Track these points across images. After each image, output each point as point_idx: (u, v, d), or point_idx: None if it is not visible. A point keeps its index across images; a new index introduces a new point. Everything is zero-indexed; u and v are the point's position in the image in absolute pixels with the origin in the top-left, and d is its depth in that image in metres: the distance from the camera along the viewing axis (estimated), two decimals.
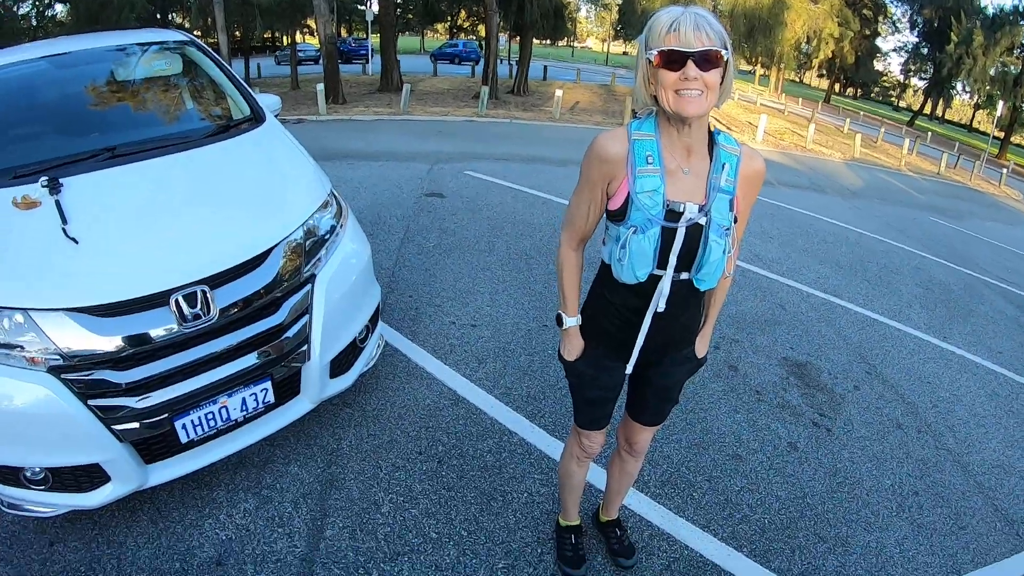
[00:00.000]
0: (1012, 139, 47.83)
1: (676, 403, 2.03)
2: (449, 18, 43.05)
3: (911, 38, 53.69)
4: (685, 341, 1.84)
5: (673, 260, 1.56)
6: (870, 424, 3.94)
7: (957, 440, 4.03)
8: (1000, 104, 35.63)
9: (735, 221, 1.61)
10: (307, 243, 2.62)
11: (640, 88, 1.53)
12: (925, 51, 50.51)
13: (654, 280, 1.61)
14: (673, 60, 1.42)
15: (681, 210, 1.52)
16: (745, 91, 42.02)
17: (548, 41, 37.45)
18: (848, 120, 32.15)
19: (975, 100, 49.09)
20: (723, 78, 1.46)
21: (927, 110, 58.70)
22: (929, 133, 41.62)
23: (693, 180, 1.55)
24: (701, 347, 1.90)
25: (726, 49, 1.44)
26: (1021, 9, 40.22)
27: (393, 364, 3.66)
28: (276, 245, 2.47)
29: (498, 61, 23.35)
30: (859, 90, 69.88)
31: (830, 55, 48.16)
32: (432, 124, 14.08)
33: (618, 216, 1.57)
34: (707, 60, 1.41)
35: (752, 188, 1.66)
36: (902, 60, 56.00)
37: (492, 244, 5.74)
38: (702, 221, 1.53)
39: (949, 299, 6.99)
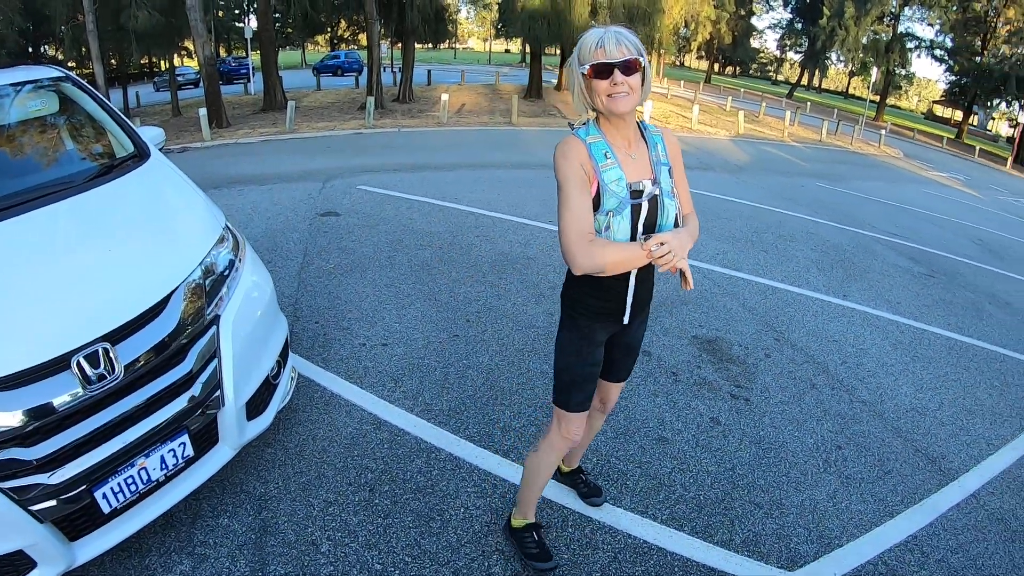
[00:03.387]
0: (887, 101, 52.36)
1: (638, 355, 2.46)
2: (329, 29, 42.91)
3: (785, 15, 58.95)
4: (648, 303, 2.25)
5: (640, 228, 1.97)
6: (785, 388, 4.27)
7: (870, 391, 4.42)
8: (874, 70, 39.21)
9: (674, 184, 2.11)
10: (207, 283, 2.59)
11: (578, 99, 1.99)
12: (799, 26, 55.24)
13: None
14: (602, 71, 1.86)
15: (641, 188, 1.96)
16: None
17: (430, 45, 37.88)
18: (730, 98, 34.28)
19: (850, 68, 54.09)
20: (643, 80, 1.90)
21: (804, 82, 63.49)
22: (808, 103, 45.16)
23: (639, 162, 2.01)
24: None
25: (642, 57, 1.88)
26: None
27: (309, 395, 3.65)
28: (175, 289, 2.43)
29: (382, 69, 23.36)
30: (738, 68, 74.63)
31: (708, 37, 51.70)
32: (320, 140, 14.16)
33: (595, 208, 1.94)
34: (628, 67, 1.85)
35: (677, 156, 2.15)
36: (778, 36, 61.37)
37: (392, 258, 5.83)
38: (656, 192, 1.99)
39: (844, 259, 7.64)
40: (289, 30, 38.44)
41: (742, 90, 48.87)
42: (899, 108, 76.91)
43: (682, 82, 48.31)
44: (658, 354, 4.48)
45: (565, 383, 2.25)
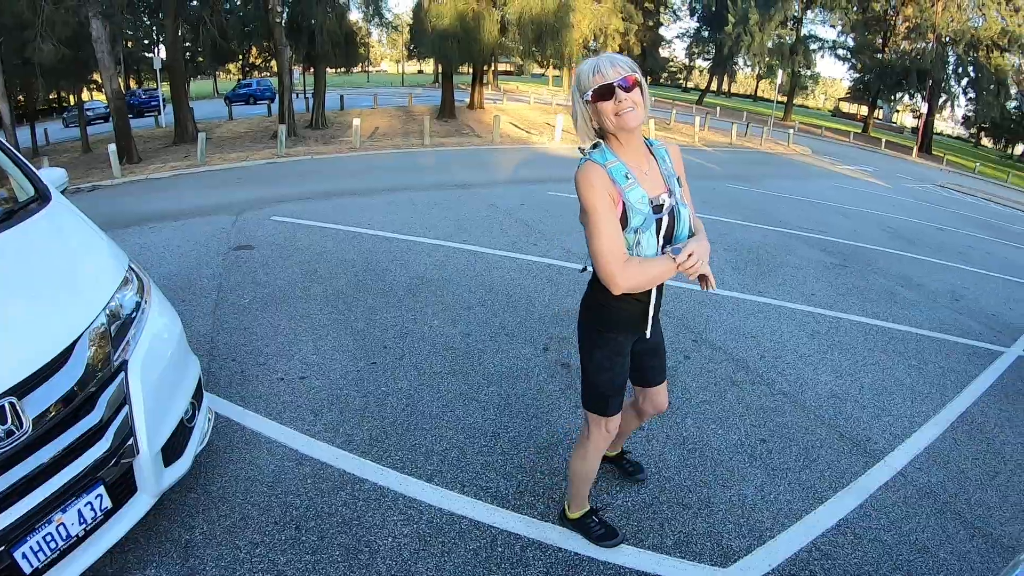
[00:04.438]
0: (795, 101, 55.01)
1: (665, 353, 2.68)
2: (241, 57, 42.38)
3: (692, 24, 62.87)
4: (659, 307, 2.43)
5: (662, 240, 2.17)
6: (706, 388, 4.37)
7: (790, 383, 4.55)
8: (780, 72, 41.16)
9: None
10: (112, 328, 2.52)
11: (584, 128, 2.14)
12: (706, 34, 58.04)
13: None
14: (604, 93, 2.01)
15: (661, 202, 2.15)
16: (541, 93, 44.61)
17: (344, 69, 37.97)
18: None
19: (757, 72, 57.25)
20: (643, 94, 2.05)
21: (714, 87, 66.17)
22: (718, 108, 47.13)
23: (653, 177, 2.19)
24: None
25: (637, 73, 2.04)
26: None
27: (228, 435, 3.53)
28: (79, 337, 2.36)
29: (295, 96, 23.12)
30: (649, 78, 76.38)
31: (618, 49, 52.82)
32: (232, 172, 13.93)
33: (622, 227, 2.11)
34: (628, 84, 2.01)
35: (679, 163, 2.35)
36: (686, 45, 64.02)
37: (308, 289, 5.75)
38: (673, 203, 2.17)
39: (758, 257, 7.93)
40: (200, 59, 38.03)
41: (653, 99, 49.29)
42: (806, 107, 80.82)
43: None
44: (577, 366, 4.48)
45: (604, 395, 2.43)
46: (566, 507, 2.89)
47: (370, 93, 40.01)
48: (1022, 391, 5.07)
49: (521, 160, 16.00)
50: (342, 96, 35.75)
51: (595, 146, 2.14)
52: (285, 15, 23.32)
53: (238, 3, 29.91)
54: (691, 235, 2.28)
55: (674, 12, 63.06)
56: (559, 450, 3.51)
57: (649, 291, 2.27)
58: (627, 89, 2.01)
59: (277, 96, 27.16)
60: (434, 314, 5.27)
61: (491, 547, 2.80)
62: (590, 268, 2.31)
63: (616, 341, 2.37)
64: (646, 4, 55.41)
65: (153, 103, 35.67)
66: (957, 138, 70.85)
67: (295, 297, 5.55)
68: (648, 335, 2.42)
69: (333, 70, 33.47)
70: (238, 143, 20.60)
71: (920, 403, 4.55)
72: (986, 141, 64.60)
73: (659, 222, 2.14)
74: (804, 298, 6.48)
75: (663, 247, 2.17)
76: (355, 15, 54.24)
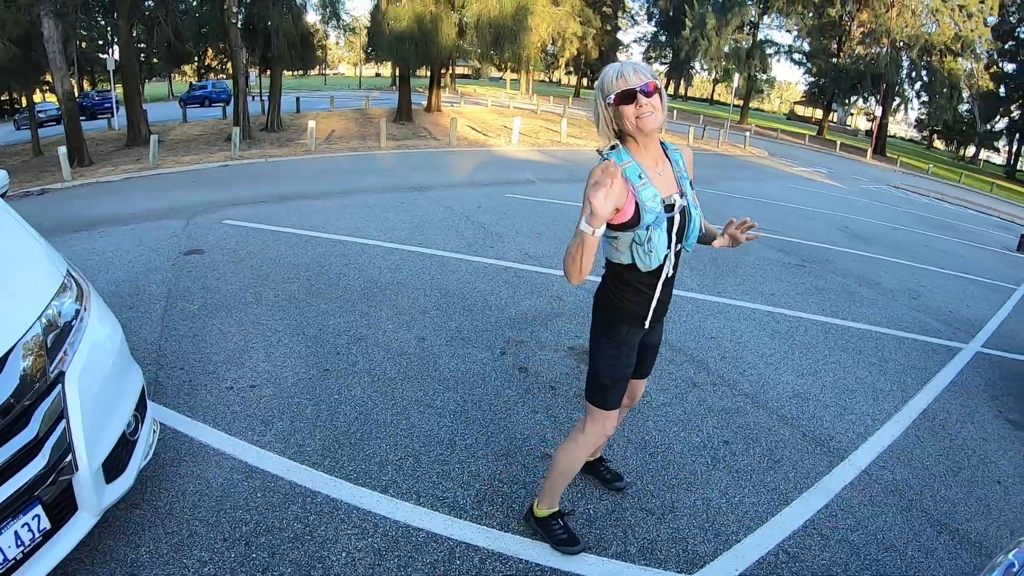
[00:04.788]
0: (751, 105, 56.15)
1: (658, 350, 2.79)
2: (197, 59, 41.76)
3: (650, 28, 63.01)
4: (667, 309, 2.54)
5: (674, 238, 2.28)
6: (667, 390, 4.31)
7: (751, 383, 4.53)
8: (736, 76, 41.89)
9: None
10: (48, 338, 2.41)
11: (604, 129, 2.24)
12: (663, 38, 59.13)
13: (664, 258, 2.30)
14: (627, 97, 2.11)
15: (672, 202, 2.26)
16: (498, 96, 44.73)
17: (301, 72, 37.64)
18: None
19: (713, 76, 58.39)
20: (661, 100, 2.15)
21: (671, 91, 67.04)
22: (675, 111, 47.51)
23: (666, 178, 2.29)
24: (721, 241, 2.71)
25: (657, 80, 2.15)
26: None
27: (176, 448, 3.37)
28: (12, 348, 2.25)
29: (250, 98, 22.76)
30: None
31: (575, 53, 53.90)
32: (185, 175, 13.62)
33: (630, 225, 2.21)
34: (649, 90, 2.11)
35: (691, 167, 2.46)
36: (643, 49, 64.86)
37: (259, 294, 5.58)
38: (684, 203, 2.29)
39: (716, 258, 7.93)
40: (155, 60, 37.37)
41: None
42: (762, 111, 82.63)
43: (551, 97, 49.83)
44: (535, 369, 4.42)
45: (606, 385, 2.49)
46: (535, 503, 2.85)
47: (327, 96, 39.69)
48: (982, 386, 5.15)
49: (478, 163, 15.91)
50: (298, 98, 35.38)
51: (613, 148, 2.25)
52: (241, 16, 22.99)
53: (194, 4, 29.47)
54: (703, 235, 2.55)
55: (632, 17, 64.53)
56: (517, 457, 3.41)
57: (654, 286, 2.36)
58: (648, 95, 2.12)
59: (232, 98, 26.78)
60: (388, 319, 5.14)
61: (449, 560, 2.70)
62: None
63: (621, 331, 2.45)
64: (604, 8, 56.57)
65: (106, 105, 34.81)
66: (910, 140, 73.01)
67: (246, 303, 5.39)
68: (647, 327, 2.48)
69: (290, 72, 33.10)
70: (192, 146, 20.26)
71: (882, 401, 4.57)
72: (938, 143, 66.65)
73: (671, 220, 2.26)
74: (763, 298, 6.50)
75: (675, 246, 2.31)
76: (312, 17, 54.13)
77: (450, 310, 5.39)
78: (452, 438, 3.55)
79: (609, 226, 2.25)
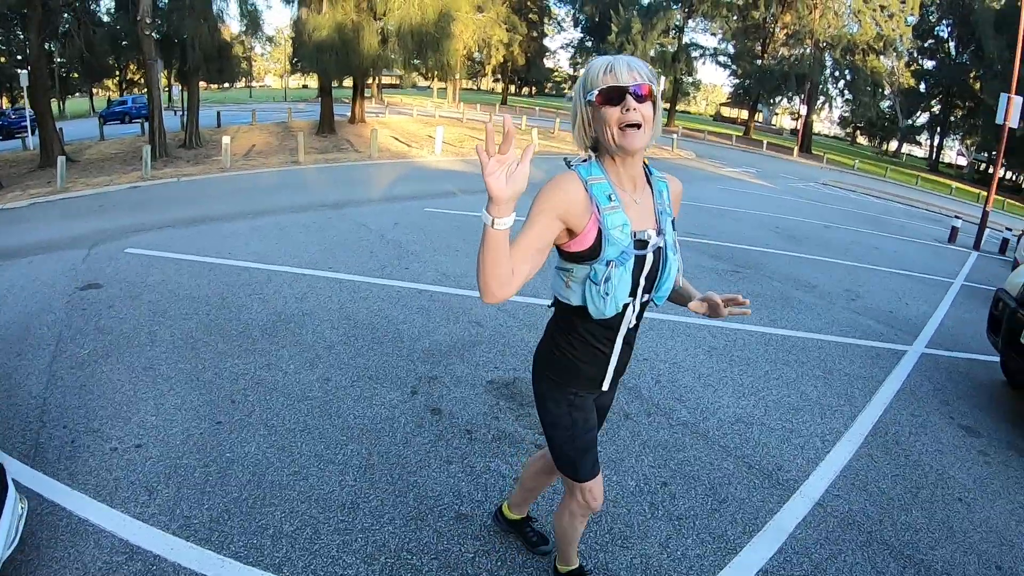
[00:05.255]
0: (677, 107, 57.28)
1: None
2: (118, 72, 40.14)
3: (576, 34, 63.96)
4: (627, 365, 2.15)
5: (642, 283, 1.89)
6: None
7: (690, 410, 4.20)
8: (663, 79, 42.52)
9: None
10: None
11: (580, 134, 1.85)
12: (589, 44, 59.67)
13: (623, 307, 1.91)
14: (612, 97, 1.72)
15: (646, 238, 1.85)
16: (424, 105, 44.45)
17: (226, 85, 36.71)
18: (525, 117, 35.37)
19: None
20: (654, 113, 1.76)
21: None
22: None
23: (643, 208, 1.89)
24: (698, 305, 2.09)
25: (654, 84, 1.75)
26: None
27: (52, 524, 2.91)
28: None
29: (172, 113, 21.87)
30: (533, 88, 78.35)
31: (502, 60, 54.22)
32: (94, 199, 12.79)
33: (587, 256, 1.81)
34: (641, 93, 1.72)
35: (678, 203, 2.07)
36: (570, 55, 65.57)
37: (153, 334, 5.07)
38: (660, 244, 1.89)
39: None
40: (74, 75, 35.74)
41: (537, 108, 51.36)
42: (688, 113, 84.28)
43: (478, 105, 49.80)
44: (449, 410, 3.98)
45: (571, 457, 2.14)
46: (555, 560, 2.63)
47: (250, 109, 38.71)
48: (930, 391, 5.04)
49: (398, 176, 15.45)
50: (219, 113, 34.38)
51: (585, 161, 1.87)
52: (158, 28, 22.03)
53: (109, 16, 28.19)
54: (677, 291, 2.14)
55: (558, 23, 65.33)
56: (429, 520, 2.96)
57: (612, 341, 1.99)
58: (639, 98, 1.73)
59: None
60: (291, 357, 4.65)
61: None
62: (558, 301, 2.03)
63: (573, 395, 2.08)
64: (530, 15, 57.11)
65: (23, 123, 33.25)
66: (834, 137, 75.53)
67: (140, 344, 4.88)
68: (605, 388, 2.11)
69: (215, 86, 32.20)
70: (107, 165, 19.34)
71: (830, 419, 4.34)
72: (861, 139, 69.18)
73: (639, 261, 1.86)
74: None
75: (641, 295, 1.93)
76: (235, 28, 52.99)
77: (358, 344, 4.91)
78: (355, 500, 3.10)
79: (562, 254, 1.88)
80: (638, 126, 1.72)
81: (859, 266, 9.45)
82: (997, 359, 5.63)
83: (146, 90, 24.73)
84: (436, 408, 3.98)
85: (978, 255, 13.31)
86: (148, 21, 20.37)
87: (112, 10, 26.95)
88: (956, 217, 15.47)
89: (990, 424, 4.63)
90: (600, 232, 1.78)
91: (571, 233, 1.80)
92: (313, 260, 7.12)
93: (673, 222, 1.96)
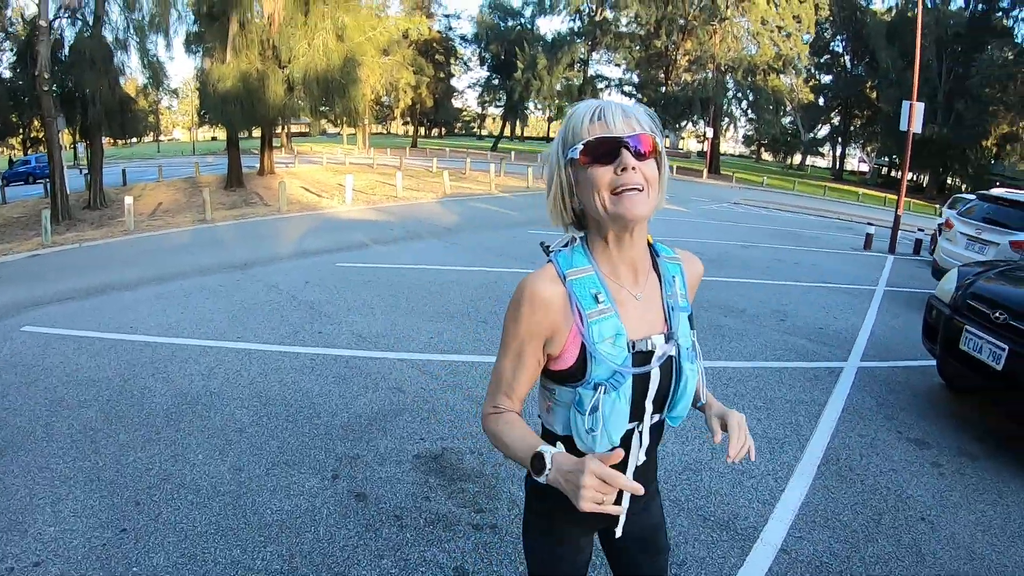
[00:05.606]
0: None
1: (669, 550, 1.78)
2: (22, 131, 38.00)
3: (483, 73, 64.73)
4: (654, 478, 1.63)
5: (649, 407, 1.40)
6: None
7: None
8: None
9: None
10: None
11: (556, 208, 1.42)
12: (496, 82, 61.02)
13: (628, 435, 1.41)
14: (604, 152, 1.30)
15: (650, 348, 1.38)
16: (334, 153, 44.13)
17: (134, 140, 35.37)
18: (435, 160, 35.45)
19: (548, 114, 60.35)
20: (659, 170, 1.35)
21: (508, 133, 68.88)
22: (512, 153, 48.92)
23: (647, 305, 1.43)
24: (718, 426, 1.51)
25: (658, 135, 1.36)
26: (575, 30, 52.54)
27: None
28: None
29: (78, 172, 20.83)
30: (443, 129, 79.03)
31: (410, 103, 54.55)
32: None
33: (571, 378, 1.37)
34: (641, 148, 1.30)
35: (693, 293, 1.58)
36: (478, 94, 66.89)
37: (50, 426, 4.54)
38: (673, 352, 1.41)
39: None
40: None
41: (448, 150, 51.52)
42: None
43: (388, 149, 49.67)
44: (375, 494, 3.61)
45: None
46: None
47: (157, 165, 37.49)
48: (873, 407, 5.04)
49: (309, 229, 14.97)
50: (124, 171, 33.11)
51: (567, 244, 1.43)
52: (56, 82, 21.08)
53: (6, 72, 26.96)
54: (702, 408, 1.57)
55: (464, 62, 66.15)
56: None
57: (624, 465, 1.43)
58: (640, 155, 1.29)
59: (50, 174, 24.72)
60: (198, 445, 4.21)
61: None
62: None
63: (561, 529, 1.56)
64: (436, 56, 57.82)
65: None
66: (740, 156, 78.53)
67: (36, 439, 4.37)
68: (619, 533, 1.51)
69: (122, 141, 31.14)
70: (7, 231, 18.29)
71: (779, 452, 4.20)
72: (767, 156, 72.01)
73: (641, 381, 1.36)
74: None
75: (649, 418, 1.42)
76: (140, 80, 51.98)
77: (271, 424, 4.50)
78: None
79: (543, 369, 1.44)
80: (639, 189, 1.29)
81: (782, 284, 9.52)
82: (932, 363, 5.67)
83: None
84: (361, 493, 3.61)
85: (894, 258, 13.70)
86: (47, 76, 19.52)
87: (13, 65, 25.99)
88: (869, 224, 15.98)
89: (937, 433, 4.63)
90: (584, 347, 1.34)
91: (552, 345, 1.37)
92: (220, 330, 6.66)
93: (691, 318, 1.49)
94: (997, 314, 4.46)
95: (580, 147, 1.30)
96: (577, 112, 1.35)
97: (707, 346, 6.24)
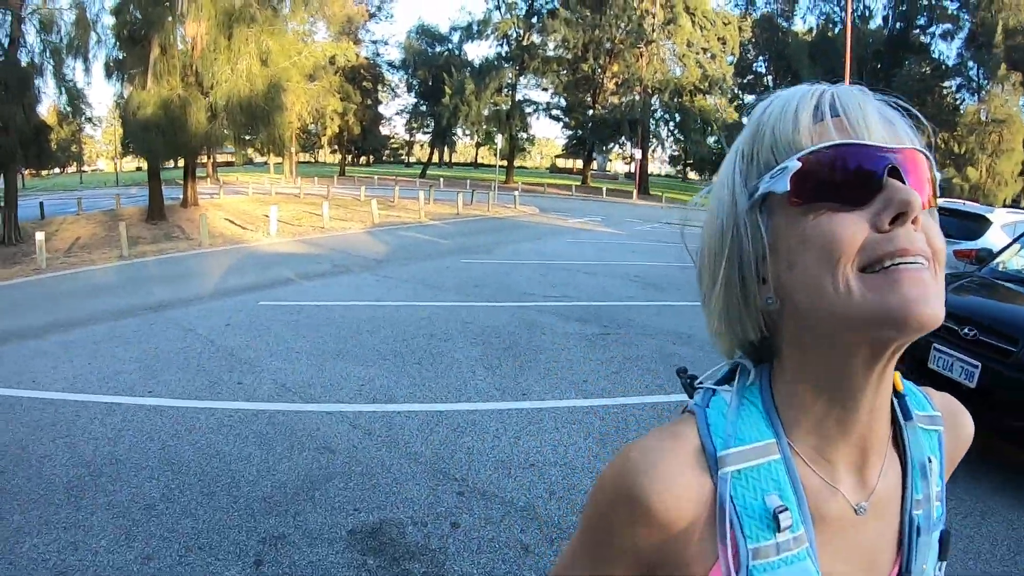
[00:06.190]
0: (515, 163, 59.09)
1: None
2: None
3: (410, 99, 64.24)
4: None
5: None
6: (492, 570, 3.23)
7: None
8: (499, 137, 43.99)
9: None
10: None
11: (725, 304, 0.70)
12: (424, 108, 60.57)
13: None
14: (853, 181, 0.61)
15: None
16: (261, 182, 43.18)
17: (57, 170, 33.59)
18: (363, 188, 34.89)
19: (476, 140, 60.66)
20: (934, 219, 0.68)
21: (436, 159, 68.82)
22: (441, 179, 49.01)
23: (873, 523, 0.70)
24: None
25: (920, 144, 0.67)
26: (503, 55, 52.49)
27: None
28: None
29: None
30: (371, 156, 78.74)
31: (337, 130, 53.97)
32: None
33: None
34: (922, 182, 0.64)
35: (951, 471, 0.86)
36: (405, 120, 66.86)
37: None
38: None
39: (511, 345, 7.18)
40: None
41: (376, 178, 50.91)
42: (525, 167, 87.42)
43: (315, 178, 48.74)
44: None
45: None
46: None
47: (77, 197, 35.86)
48: None
49: (231, 264, 14.29)
50: (42, 204, 31.46)
51: (725, 380, 0.74)
52: None
53: None
54: None
55: (392, 89, 65.82)
56: None
57: None
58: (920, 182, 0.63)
59: None
60: (102, 527, 3.68)
61: None
62: None
63: None
64: (364, 83, 57.37)
65: None
66: (667, 176, 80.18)
67: None
68: None
69: (44, 172, 29.56)
70: None
71: None
72: (692, 175, 73.56)
73: None
74: (576, 389, 5.76)
75: None
76: (57, 107, 50.25)
77: (184, 499, 3.99)
78: None
79: None
80: (922, 264, 0.60)
81: None
82: None
83: None
84: None
85: None
86: None
87: None
88: None
89: None
90: None
91: None
92: (130, 383, 6.08)
93: (946, 539, 0.74)
94: (966, 330, 4.31)
95: (794, 164, 0.63)
96: (778, 103, 0.68)
97: (660, 378, 6.04)
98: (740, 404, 0.68)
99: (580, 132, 53.32)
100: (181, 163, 31.27)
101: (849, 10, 29.07)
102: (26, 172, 29.19)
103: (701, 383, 0.74)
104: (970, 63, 40.51)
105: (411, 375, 6.19)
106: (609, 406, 5.34)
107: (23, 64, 21.21)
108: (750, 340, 0.70)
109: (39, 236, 15.65)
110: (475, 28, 52.67)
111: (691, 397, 0.74)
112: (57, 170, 32.62)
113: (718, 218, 0.70)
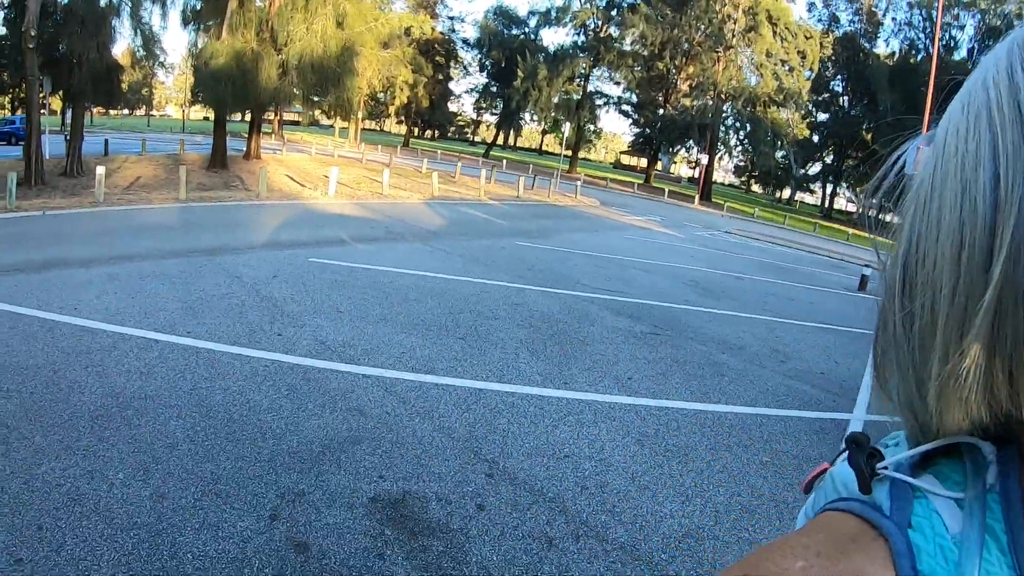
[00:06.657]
0: (579, 155, 58.62)
1: None
2: (12, 91, 37.13)
3: (481, 79, 64.28)
4: None
5: None
6: (513, 559, 3.06)
7: (626, 526, 3.44)
8: (567, 126, 43.62)
9: None
10: None
11: (951, 316, 0.36)
12: (494, 89, 60.72)
13: None
14: None
15: None
16: (325, 144, 43.59)
17: (126, 111, 34.58)
18: (426, 160, 34.95)
19: (543, 126, 60.07)
20: None
21: (501, 141, 68.73)
22: (504, 161, 48.58)
23: None
24: None
25: None
26: (579, 44, 51.78)
27: None
28: None
29: (64, 138, 20.23)
30: (437, 131, 78.92)
31: (406, 101, 54.27)
32: None
33: None
34: None
35: None
36: (474, 100, 67.11)
37: None
38: None
39: (558, 332, 6.97)
40: None
41: (439, 152, 51.10)
42: (589, 160, 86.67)
43: (379, 146, 49.22)
44: (319, 545, 3.03)
45: None
46: None
47: (142, 138, 36.76)
48: None
49: (287, 218, 14.39)
50: (107, 140, 32.31)
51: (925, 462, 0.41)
52: (42, 41, 20.41)
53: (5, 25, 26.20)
54: None
55: (464, 67, 65.83)
56: None
57: None
58: None
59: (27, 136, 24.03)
60: (121, 460, 3.62)
61: None
62: None
63: None
64: (436, 58, 57.63)
65: None
66: (729, 185, 78.74)
67: None
68: None
69: (114, 111, 30.34)
70: None
71: (788, 520, 3.70)
72: (756, 187, 72.23)
73: None
74: (620, 385, 5.54)
75: None
76: (131, 49, 51.82)
77: (208, 442, 3.91)
78: None
79: None
80: None
81: (779, 321, 9.09)
82: None
83: (46, 110, 22.87)
84: (301, 542, 3.02)
85: None
86: (32, 33, 18.78)
87: (4, 20, 24.97)
88: (865, 266, 15.67)
89: None
90: None
91: None
92: (170, 321, 6.06)
93: None
94: None
95: None
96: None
97: (705, 385, 5.79)
98: (973, 528, 0.35)
99: (648, 131, 52.54)
100: (248, 117, 31.72)
101: (936, 39, 28.09)
102: (95, 109, 29.83)
103: (881, 467, 0.41)
104: None
105: (453, 349, 6.06)
106: (651, 407, 5.13)
107: (101, 3, 21.60)
108: (984, 416, 0.36)
109: (100, 170, 15.95)
110: (553, 14, 52.26)
111: (865, 489, 0.41)
112: (126, 111, 33.28)
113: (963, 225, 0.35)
